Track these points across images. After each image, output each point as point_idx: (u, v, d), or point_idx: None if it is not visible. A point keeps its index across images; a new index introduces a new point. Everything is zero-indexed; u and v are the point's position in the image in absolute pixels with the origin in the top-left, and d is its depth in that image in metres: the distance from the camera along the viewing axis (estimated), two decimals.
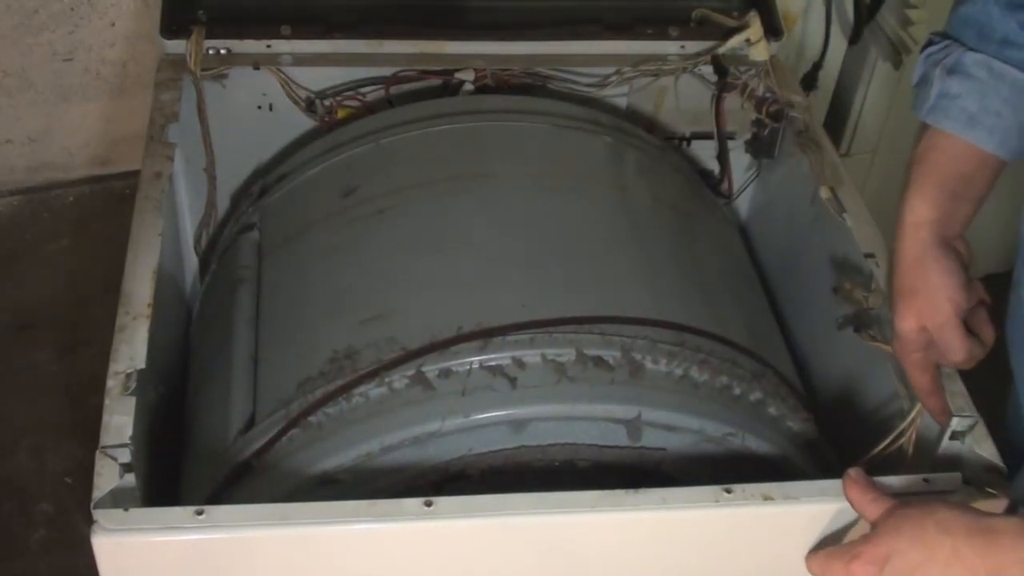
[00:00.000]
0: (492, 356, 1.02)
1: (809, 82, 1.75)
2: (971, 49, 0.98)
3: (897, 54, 1.81)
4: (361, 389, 1.02)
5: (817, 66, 1.77)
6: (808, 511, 0.95)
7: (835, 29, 1.76)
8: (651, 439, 1.02)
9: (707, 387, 1.05)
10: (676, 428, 1.02)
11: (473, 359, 1.02)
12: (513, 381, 1.00)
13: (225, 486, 1.04)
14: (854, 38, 1.81)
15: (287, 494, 0.99)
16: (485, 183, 1.23)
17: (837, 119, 1.94)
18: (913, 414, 1.06)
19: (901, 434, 1.06)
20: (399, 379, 1.02)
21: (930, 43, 1.02)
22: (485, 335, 1.03)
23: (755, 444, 1.04)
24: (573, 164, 1.28)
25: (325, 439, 1.01)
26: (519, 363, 1.02)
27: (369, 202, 1.21)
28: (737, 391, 1.07)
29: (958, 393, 1.05)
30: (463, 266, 1.12)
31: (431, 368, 1.01)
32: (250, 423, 1.07)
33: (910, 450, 1.06)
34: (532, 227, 1.17)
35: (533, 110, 1.35)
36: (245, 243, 1.29)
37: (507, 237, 1.16)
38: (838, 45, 1.82)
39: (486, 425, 0.99)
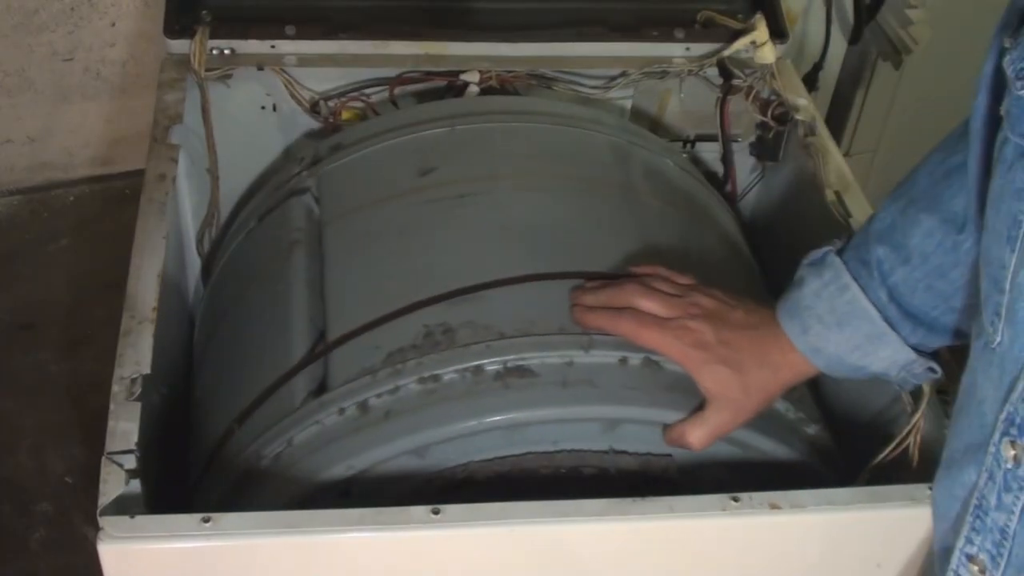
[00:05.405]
0: (499, 359, 1.00)
1: (809, 82, 1.75)
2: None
3: (897, 54, 1.81)
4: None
5: (817, 66, 1.78)
6: (815, 520, 0.95)
7: (835, 29, 1.77)
8: (623, 437, 1.01)
9: (675, 377, 1.03)
10: (644, 422, 1.00)
11: (480, 361, 1.00)
12: (523, 384, 0.99)
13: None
14: (854, 38, 1.81)
15: (302, 497, 0.98)
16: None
17: (837, 119, 1.95)
18: (915, 419, 1.05)
19: (903, 441, 1.06)
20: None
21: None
22: (499, 337, 1.02)
23: (768, 447, 1.03)
24: (608, 169, 1.29)
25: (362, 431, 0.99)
26: (528, 368, 1.01)
27: (448, 185, 1.19)
28: None
29: None
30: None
31: (445, 371, 1.00)
32: (321, 388, 1.04)
33: (915, 456, 1.06)
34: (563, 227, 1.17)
35: (598, 120, 1.35)
36: (297, 206, 1.25)
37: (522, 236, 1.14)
38: (838, 45, 1.83)
39: (492, 429, 0.98)
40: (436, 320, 1.04)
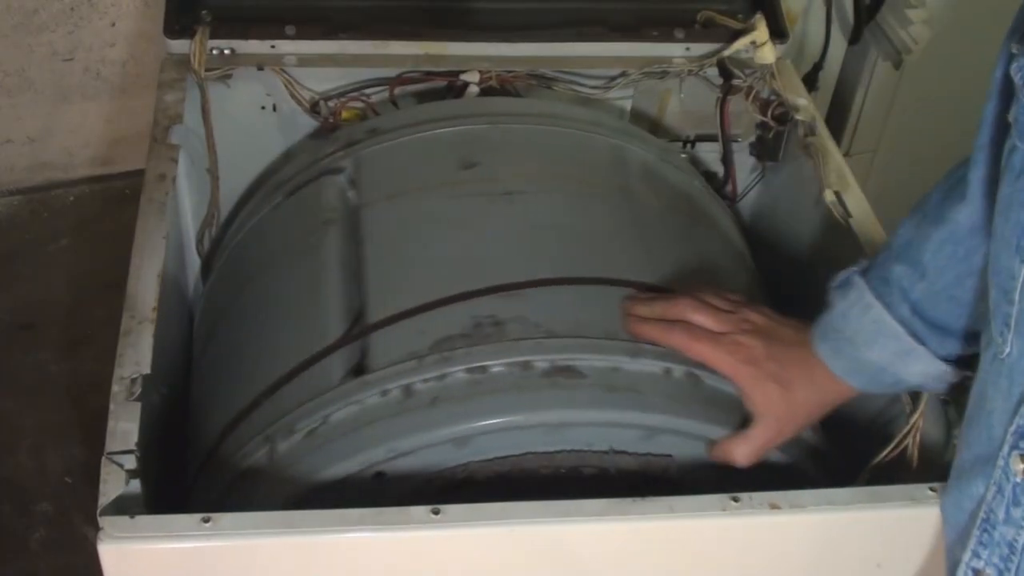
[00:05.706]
0: (549, 356, 1.00)
1: (809, 82, 1.75)
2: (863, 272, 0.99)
3: (897, 54, 1.81)
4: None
5: (817, 66, 1.78)
6: (815, 520, 0.95)
7: (835, 29, 1.77)
8: (659, 445, 1.01)
9: (715, 392, 1.04)
10: (684, 433, 1.01)
11: (530, 357, 1.00)
12: (571, 384, 0.99)
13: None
14: (854, 38, 1.81)
15: (326, 480, 0.98)
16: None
17: (837, 119, 1.94)
18: (914, 420, 1.05)
19: (902, 441, 1.06)
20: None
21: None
22: (549, 335, 1.02)
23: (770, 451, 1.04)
24: (605, 170, 1.29)
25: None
26: (576, 368, 1.01)
27: (492, 181, 1.19)
28: None
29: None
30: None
31: (494, 363, 1.00)
32: (359, 369, 1.03)
33: (914, 456, 1.06)
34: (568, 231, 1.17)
35: (610, 126, 1.35)
36: (330, 186, 1.24)
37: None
38: (838, 45, 1.83)
39: (537, 426, 0.98)
40: (485, 312, 1.03)
